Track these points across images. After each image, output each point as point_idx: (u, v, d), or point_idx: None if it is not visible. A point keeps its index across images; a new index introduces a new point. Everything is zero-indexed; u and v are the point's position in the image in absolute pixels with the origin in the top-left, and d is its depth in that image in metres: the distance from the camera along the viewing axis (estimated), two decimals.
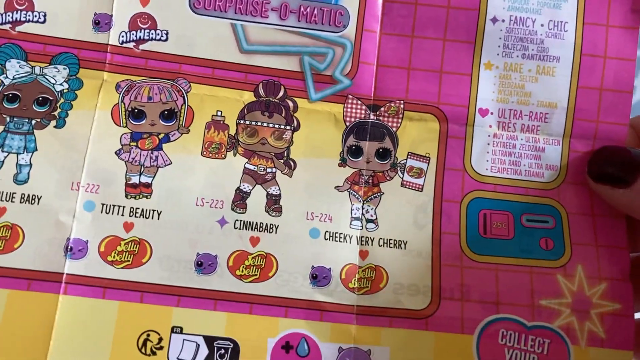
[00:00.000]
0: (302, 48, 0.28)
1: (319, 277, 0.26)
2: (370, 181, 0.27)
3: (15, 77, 0.26)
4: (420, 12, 0.28)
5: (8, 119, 0.26)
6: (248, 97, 0.27)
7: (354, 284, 0.26)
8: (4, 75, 0.26)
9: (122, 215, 0.25)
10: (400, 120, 0.27)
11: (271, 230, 0.26)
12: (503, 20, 0.28)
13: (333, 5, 0.28)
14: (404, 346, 0.26)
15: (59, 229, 0.25)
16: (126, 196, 0.25)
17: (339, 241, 0.26)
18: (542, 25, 0.28)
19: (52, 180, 0.25)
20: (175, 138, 0.26)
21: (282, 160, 0.27)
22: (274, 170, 0.27)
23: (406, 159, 0.27)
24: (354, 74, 0.27)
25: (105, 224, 0.25)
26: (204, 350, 0.25)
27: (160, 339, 0.25)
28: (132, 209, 0.25)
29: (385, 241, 0.27)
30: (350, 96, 0.27)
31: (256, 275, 0.26)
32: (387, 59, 0.28)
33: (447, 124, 0.27)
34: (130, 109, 0.26)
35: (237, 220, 0.26)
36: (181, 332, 0.25)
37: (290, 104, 0.27)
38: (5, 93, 0.26)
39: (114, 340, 0.24)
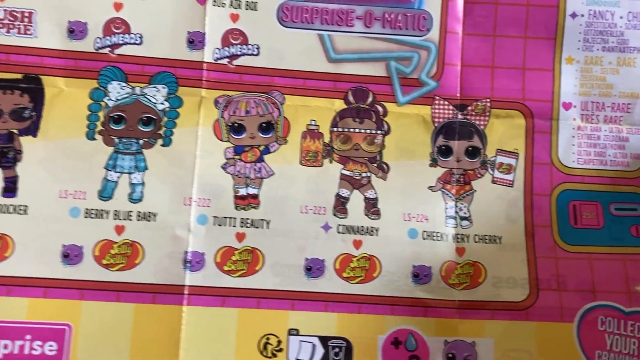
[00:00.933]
0: (388, 54, 0.29)
1: (420, 275, 0.28)
2: (461, 180, 0.29)
3: (117, 98, 0.28)
4: (501, 11, 0.29)
5: (117, 140, 0.28)
6: (339, 105, 0.29)
7: (454, 280, 0.28)
8: (107, 97, 0.28)
9: (234, 226, 0.27)
10: (487, 118, 0.29)
11: (372, 232, 0.28)
12: (582, 15, 0.29)
13: (416, 10, 0.29)
14: (506, 337, 0.28)
15: (176, 243, 0.27)
16: (236, 208, 0.28)
17: (436, 240, 0.28)
18: (621, 17, 0.29)
19: (165, 197, 0.27)
20: (274, 149, 0.28)
21: (375, 164, 0.29)
22: (368, 174, 0.29)
23: (495, 156, 0.29)
24: (439, 75, 0.29)
25: (218, 236, 0.27)
26: (319, 350, 0.27)
27: (279, 342, 0.27)
28: (242, 220, 0.27)
29: (481, 237, 0.29)
30: (437, 97, 0.29)
31: (362, 276, 0.28)
32: (470, 59, 0.29)
33: (532, 120, 0.29)
34: (230, 124, 0.28)
35: (340, 225, 0.28)
36: (297, 334, 0.27)
37: (380, 108, 0.29)
38: (111, 115, 0.28)
39: (236, 345, 0.26)
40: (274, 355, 0.27)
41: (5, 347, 0.26)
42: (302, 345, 0.27)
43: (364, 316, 0.28)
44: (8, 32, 0.28)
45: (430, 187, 0.29)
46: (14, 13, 0.28)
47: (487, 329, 0.28)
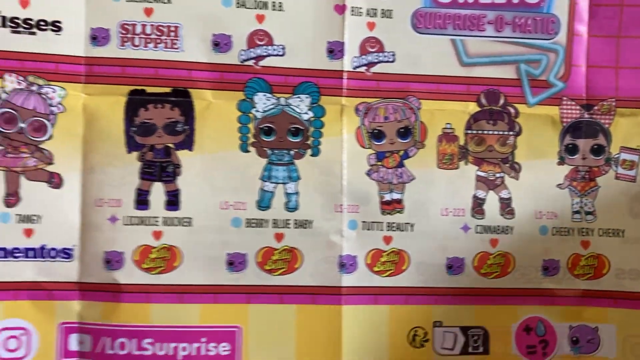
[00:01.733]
0: (518, 57, 0.31)
1: (549, 268, 0.31)
2: (586, 176, 0.32)
3: (264, 109, 0.30)
4: (626, 12, 0.31)
5: (269, 151, 0.30)
6: (472, 107, 0.31)
7: (579, 271, 0.31)
8: (255, 108, 0.30)
9: (381, 230, 0.30)
10: (612, 117, 0.32)
11: (507, 231, 0.31)
12: None
13: (545, 14, 0.31)
14: (628, 323, 0.31)
15: (331, 248, 0.30)
16: (382, 213, 0.30)
17: (564, 235, 0.31)
18: None
19: (318, 205, 0.30)
20: (413, 154, 0.31)
21: (508, 165, 0.31)
22: (502, 174, 0.31)
23: (619, 153, 0.32)
24: (567, 76, 0.31)
25: (367, 240, 0.30)
26: (461, 339, 0.30)
27: (426, 333, 0.30)
28: (389, 224, 0.30)
29: (604, 231, 0.31)
30: (564, 98, 0.31)
31: (497, 272, 0.31)
32: (596, 60, 0.31)
33: None
34: (371, 130, 0.30)
35: (478, 225, 0.31)
36: (441, 326, 0.30)
37: (512, 110, 0.31)
38: (261, 127, 0.30)
39: (389, 339, 0.30)
40: (422, 346, 0.30)
41: (184, 349, 0.29)
42: (445, 335, 0.31)
43: (498, 307, 0.31)
44: (156, 47, 0.30)
45: (558, 185, 0.32)
46: (161, 28, 0.29)
47: (609, 316, 0.32)
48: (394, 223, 0.31)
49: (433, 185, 0.31)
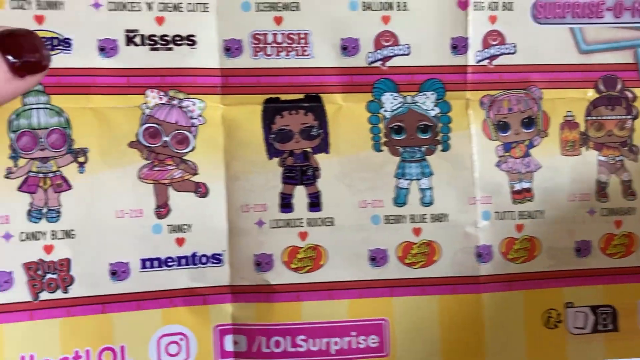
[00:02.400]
0: (636, 41, 0.32)
1: None
2: None
3: (392, 109, 0.31)
4: None
5: (401, 149, 0.31)
6: (592, 94, 0.32)
7: None
8: (383, 108, 0.31)
9: (513, 219, 0.31)
10: None
11: (630, 212, 0.32)
12: None
13: None
14: None
15: (467, 239, 0.31)
16: (513, 202, 0.31)
17: None
18: None
19: (452, 198, 0.31)
20: (537, 143, 0.32)
21: (626, 148, 0.32)
22: (621, 158, 0.32)
23: None
24: None
25: (501, 229, 0.31)
26: (591, 318, 0.32)
27: (559, 314, 0.31)
28: (520, 212, 0.31)
29: None
30: None
31: (622, 251, 0.32)
32: None
33: None
34: (496, 122, 0.31)
35: (603, 208, 0.32)
36: (572, 306, 0.32)
37: (629, 94, 0.32)
38: (391, 126, 0.31)
39: (525, 322, 0.32)
40: (556, 327, 0.32)
41: (336, 344, 0.31)
42: (577, 315, 0.32)
43: (624, 285, 0.32)
44: (287, 55, 0.30)
45: None
46: (291, 35, 0.30)
47: None
48: (525, 211, 0.32)
49: (558, 172, 0.32)
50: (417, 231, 0.31)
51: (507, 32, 0.32)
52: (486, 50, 0.32)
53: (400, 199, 0.31)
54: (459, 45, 0.31)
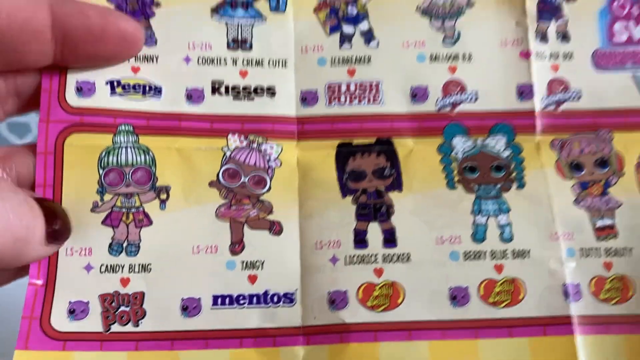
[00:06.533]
0: None
1: None
2: None
3: (464, 150, 0.31)
4: None
5: (476, 187, 0.30)
6: None
7: None
8: (454, 150, 0.31)
9: (599, 256, 0.29)
10: None
11: None
12: None
13: None
14: None
15: (553, 277, 0.29)
16: (597, 239, 0.30)
17: None
18: None
19: (532, 234, 0.30)
20: (614, 182, 0.31)
21: None
22: None
23: None
24: None
25: (587, 267, 0.29)
26: None
27: None
28: (606, 249, 0.30)
29: None
30: None
31: None
32: None
33: None
34: (569, 163, 0.31)
35: None
36: None
37: None
38: (464, 166, 0.31)
39: None
40: None
41: None
42: None
43: None
44: (360, 102, 0.32)
45: None
46: (363, 85, 0.32)
47: None
48: (611, 248, 0.30)
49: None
50: (499, 268, 0.30)
51: (570, 80, 0.33)
52: (551, 96, 0.33)
53: (479, 235, 0.30)
54: (525, 92, 0.33)
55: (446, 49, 0.33)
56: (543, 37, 0.33)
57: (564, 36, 0.33)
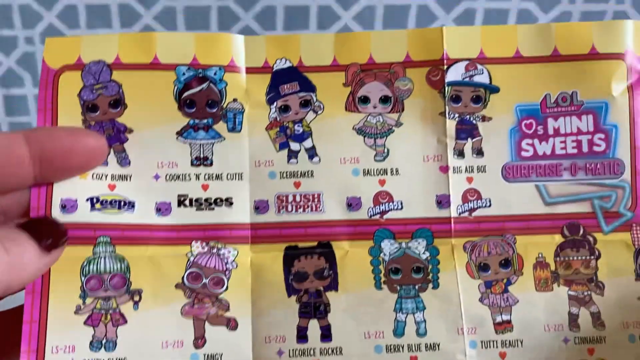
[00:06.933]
0: (591, 194, 0.39)
1: None
2: None
3: (390, 253, 0.38)
4: None
5: (398, 287, 0.37)
6: (558, 239, 0.38)
7: None
8: (382, 253, 0.37)
9: (497, 347, 0.36)
10: None
11: (601, 341, 0.37)
12: None
13: (611, 159, 0.39)
14: None
15: None
16: (496, 332, 0.37)
17: None
18: None
19: (442, 329, 0.36)
20: (514, 281, 0.38)
21: (593, 284, 0.38)
22: (589, 292, 0.38)
23: None
24: (634, 207, 0.38)
25: (486, 356, 0.36)
26: None
27: None
28: (502, 341, 0.36)
29: None
30: (634, 224, 0.38)
31: None
32: None
33: None
34: (478, 264, 0.38)
35: (576, 337, 0.37)
36: None
37: (591, 238, 0.38)
38: (389, 267, 0.37)
39: None
40: None
41: None
42: None
43: None
44: (304, 210, 0.38)
45: (638, 298, 0.38)
46: (307, 196, 0.38)
47: None
48: (506, 340, 0.37)
49: (534, 306, 0.38)
50: (413, 359, 0.37)
51: (482, 190, 0.39)
52: (466, 204, 0.39)
53: (399, 331, 0.37)
54: (442, 201, 0.39)
55: (377, 164, 0.38)
56: (460, 153, 0.39)
57: (478, 152, 0.39)
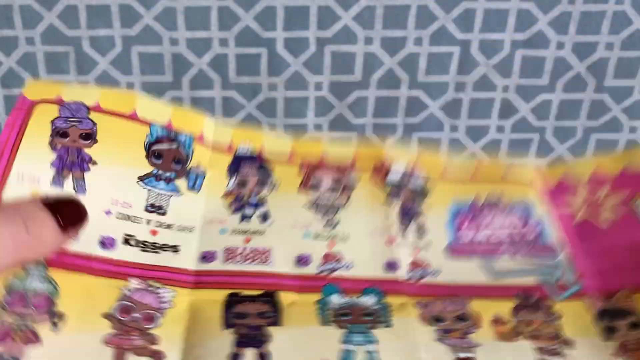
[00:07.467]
0: (534, 271, 0.40)
1: None
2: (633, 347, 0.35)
3: (340, 304, 0.36)
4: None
5: (349, 325, 0.34)
6: (513, 303, 0.37)
7: None
8: (332, 304, 0.36)
9: None
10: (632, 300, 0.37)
11: None
12: None
13: (543, 244, 0.41)
14: None
15: None
16: None
17: None
18: None
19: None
20: (473, 331, 0.35)
21: (561, 340, 0.35)
22: (559, 346, 0.35)
23: None
24: (580, 278, 0.39)
25: None
26: None
27: None
28: None
29: None
30: (585, 295, 0.38)
31: None
32: (600, 266, 0.39)
33: None
34: (432, 316, 0.36)
35: None
36: None
37: (546, 304, 0.37)
38: (338, 312, 0.35)
39: None
40: None
41: None
42: None
43: None
44: (253, 262, 0.38)
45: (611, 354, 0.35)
46: (257, 250, 0.38)
47: None
48: None
49: (499, 351, 0.34)
50: None
51: (429, 262, 0.40)
52: (414, 271, 0.39)
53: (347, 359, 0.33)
54: (391, 266, 0.39)
55: (327, 231, 0.40)
56: (404, 232, 0.41)
57: (422, 232, 0.41)
